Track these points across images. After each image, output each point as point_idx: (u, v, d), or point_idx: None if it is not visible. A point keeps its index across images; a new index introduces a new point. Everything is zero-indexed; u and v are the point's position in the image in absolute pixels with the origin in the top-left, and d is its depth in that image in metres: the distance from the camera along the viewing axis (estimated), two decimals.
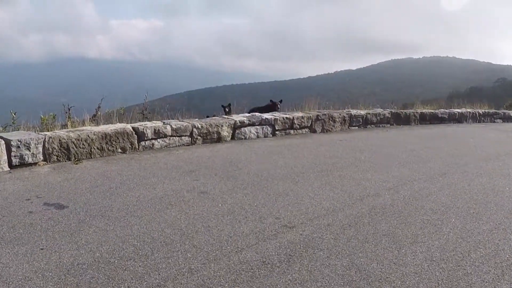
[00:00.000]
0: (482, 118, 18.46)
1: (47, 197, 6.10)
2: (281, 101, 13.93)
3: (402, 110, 16.04)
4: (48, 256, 4.25)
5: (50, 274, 3.88)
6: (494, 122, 18.78)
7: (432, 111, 17.08)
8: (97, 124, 10.04)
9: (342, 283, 3.80)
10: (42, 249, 4.42)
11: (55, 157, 8.21)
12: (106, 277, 3.83)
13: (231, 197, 6.19)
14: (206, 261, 4.16)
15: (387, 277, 3.93)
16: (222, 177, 7.31)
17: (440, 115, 16.98)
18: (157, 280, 3.78)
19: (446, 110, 17.55)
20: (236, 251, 4.39)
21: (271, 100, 13.97)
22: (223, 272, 3.95)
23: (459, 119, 17.57)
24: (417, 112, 16.24)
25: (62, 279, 3.79)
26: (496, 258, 4.40)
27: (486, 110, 19.08)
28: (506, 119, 19.23)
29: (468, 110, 18.41)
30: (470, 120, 17.98)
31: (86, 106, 10.96)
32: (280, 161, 8.68)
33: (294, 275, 3.93)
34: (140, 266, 4.03)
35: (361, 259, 4.30)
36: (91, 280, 3.77)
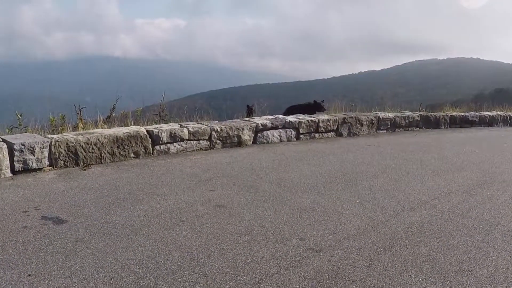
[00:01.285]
0: None
1: (46, 209, 5.53)
2: (323, 101, 13.26)
3: (431, 113, 15.32)
4: (35, 285, 3.64)
5: None
6: None
7: (462, 114, 16.33)
8: (111, 126, 9.51)
9: None
10: (30, 275, 3.84)
11: (62, 162, 7.67)
12: None
13: (250, 212, 5.56)
14: None
15: None
16: (241, 187, 6.68)
17: (470, 118, 16.22)
18: None
19: (476, 113, 16.77)
20: (253, 283, 3.73)
21: (314, 100, 13.30)
22: None
23: (489, 122, 16.79)
24: (447, 115, 15.51)
25: None
26: None
27: None
28: None
29: (499, 113, 17.61)
30: (501, 123, 17.20)
31: (109, 105, 10.69)
32: (304, 168, 8.04)
33: None
34: None
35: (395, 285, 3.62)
36: None
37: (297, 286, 3.72)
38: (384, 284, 3.80)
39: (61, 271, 3.89)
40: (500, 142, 12.49)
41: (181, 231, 4.89)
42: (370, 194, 6.47)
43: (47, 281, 3.72)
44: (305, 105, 13.46)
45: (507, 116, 17.70)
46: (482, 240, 4.87)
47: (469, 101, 24.83)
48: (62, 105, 10.12)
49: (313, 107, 13.15)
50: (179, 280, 3.78)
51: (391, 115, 13.86)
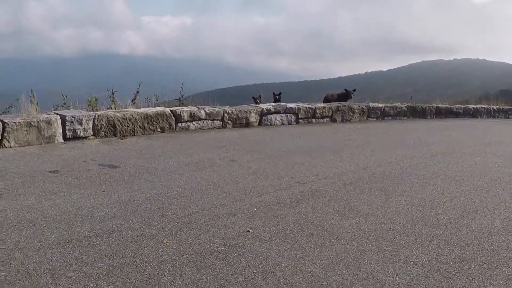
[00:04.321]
0: (497, 114, 19.35)
1: (100, 160, 7.41)
2: (354, 90, 15.74)
3: (418, 104, 17.07)
4: (109, 195, 5.54)
5: (113, 205, 5.15)
6: (509, 117, 19.65)
7: (447, 106, 18.08)
8: (137, 107, 11.36)
9: (337, 216, 4.99)
10: (103, 191, 5.71)
11: (103, 133, 9.53)
12: (156, 208, 5.08)
13: (255, 164, 7.43)
14: (233, 200, 5.41)
15: (373, 213, 5.12)
16: (249, 151, 8.56)
17: (455, 110, 17.96)
18: (196, 209, 5.03)
19: (461, 106, 18.53)
20: (257, 195, 5.64)
21: (345, 89, 15.80)
22: (247, 206, 5.19)
23: (474, 114, 18.49)
24: (432, 106, 17.26)
25: (122, 208, 5.04)
26: (466, 207, 5.52)
27: (501, 106, 19.96)
28: None
29: (484, 106, 19.33)
30: (484, 115, 18.88)
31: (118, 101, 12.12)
32: (300, 142, 9.91)
33: (300, 209, 5.15)
34: (182, 202, 5.29)
35: (355, 203, 5.50)
36: (145, 210, 5.02)
37: (286, 198, 5.58)
38: (345, 199, 5.66)
39: (125, 190, 5.77)
40: (474, 128, 14.38)
41: (205, 172, 6.78)
42: (349, 157, 8.32)
43: (117, 194, 5.58)
44: (339, 93, 15.99)
45: (490, 109, 19.44)
46: (426, 182, 6.69)
47: (473, 101, 26.45)
48: (71, 101, 11.46)
49: (345, 95, 15.66)
50: (207, 194, 5.65)
51: (380, 105, 15.68)
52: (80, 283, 3.31)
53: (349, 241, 4.25)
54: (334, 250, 4.04)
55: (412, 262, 3.85)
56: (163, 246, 3.98)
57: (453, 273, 3.69)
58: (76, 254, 3.79)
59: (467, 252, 4.11)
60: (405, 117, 16.22)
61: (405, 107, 16.21)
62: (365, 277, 3.56)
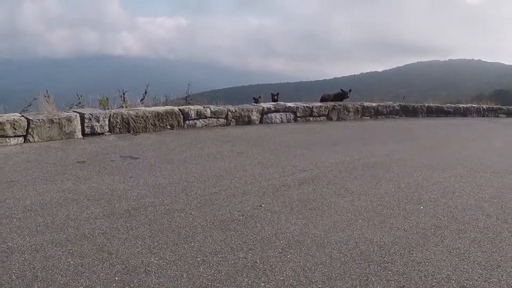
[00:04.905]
0: (486, 113, 20.16)
1: (121, 153, 8.26)
2: (350, 90, 16.44)
3: (410, 104, 17.94)
4: (137, 180, 6.39)
5: (142, 187, 6.00)
6: (498, 116, 20.45)
7: (438, 105, 18.94)
8: (147, 106, 12.21)
9: (334, 195, 5.87)
10: (131, 177, 6.57)
11: (118, 129, 10.37)
12: (180, 189, 5.94)
13: (260, 156, 8.30)
14: (244, 183, 6.29)
15: (364, 193, 6.00)
16: (253, 145, 9.42)
17: (446, 109, 18.80)
18: (214, 190, 5.90)
19: (452, 105, 19.35)
20: (265, 179, 6.52)
21: (341, 89, 16.54)
22: (256, 188, 6.06)
23: (464, 113, 19.31)
24: (424, 106, 18.13)
25: (151, 190, 5.90)
26: (445, 190, 6.40)
27: (490, 106, 20.81)
28: (509, 114, 20.87)
29: (474, 105, 20.16)
30: (474, 114, 19.69)
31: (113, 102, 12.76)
32: (298, 137, 10.78)
33: (303, 190, 6.03)
34: (201, 185, 6.16)
35: (349, 185, 6.39)
36: (170, 191, 5.88)
37: (290, 181, 6.46)
38: (341, 182, 6.53)
39: (149, 176, 6.63)
40: (463, 126, 15.28)
41: (217, 162, 7.65)
42: (344, 151, 9.19)
43: (143, 179, 6.44)
44: (335, 93, 16.66)
45: (480, 108, 20.28)
46: (413, 171, 7.56)
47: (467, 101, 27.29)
48: (68, 101, 12.05)
49: (341, 95, 16.35)
50: (221, 179, 6.52)
51: (374, 104, 16.56)
52: (130, 242, 4.17)
53: (344, 213, 5.14)
54: (332, 219, 4.92)
55: (395, 228, 4.73)
56: (192, 216, 4.86)
57: (429, 235, 4.57)
58: (121, 223, 4.65)
59: (442, 222, 4.99)
60: (398, 116, 17.06)
61: (398, 106, 17.07)
62: (357, 237, 4.44)
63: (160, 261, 3.77)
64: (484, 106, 20.44)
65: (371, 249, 4.15)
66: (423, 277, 3.63)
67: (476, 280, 3.61)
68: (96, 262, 3.71)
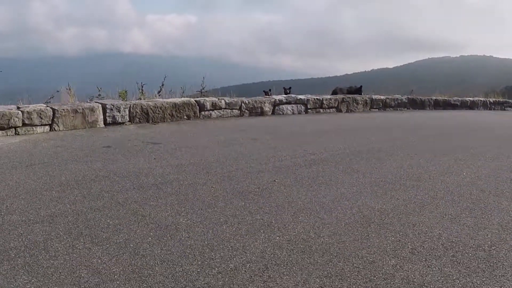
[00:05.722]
0: (493, 106, 20.63)
1: (142, 139, 8.86)
2: (361, 87, 17.36)
3: (417, 97, 18.44)
4: (160, 161, 6.98)
5: (165, 167, 6.58)
6: (505, 110, 20.91)
7: (446, 98, 19.41)
8: (163, 98, 12.80)
9: (341, 173, 6.43)
10: (154, 158, 7.15)
11: (137, 119, 10.99)
12: (200, 168, 6.51)
13: (273, 142, 8.88)
14: (259, 164, 6.86)
15: (369, 172, 6.55)
16: (265, 132, 10.00)
17: (453, 102, 19.28)
18: (231, 169, 6.48)
19: (459, 98, 19.82)
20: (278, 161, 7.10)
21: (355, 86, 17.48)
22: (270, 167, 6.63)
23: (470, 106, 19.79)
24: (431, 99, 18.63)
25: (174, 169, 6.47)
26: (444, 170, 6.92)
27: (497, 99, 21.25)
28: None
29: (480, 98, 20.62)
30: (481, 107, 20.16)
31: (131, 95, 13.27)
32: (309, 127, 11.34)
33: (312, 169, 6.60)
34: (220, 165, 6.74)
35: (355, 166, 6.94)
36: (192, 170, 6.44)
37: (301, 162, 7.03)
38: (347, 163, 7.08)
39: (171, 158, 7.21)
40: (468, 118, 15.79)
41: (233, 147, 8.22)
42: (351, 138, 9.74)
43: (166, 160, 7.02)
44: (348, 87, 17.56)
45: (487, 101, 20.75)
46: (415, 154, 8.05)
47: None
48: (81, 98, 12.55)
49: (356, 90, 17.21)
50: (237, 160, 7.09)
51: (382, 97, 17.10)
52: (160, 207, 4.75)
53: (350, 187, 5.70)
54: (339, 191, 5.49)
55: (395, 198, 5.28)
56: (214, 189, 5.44)
57: (425, 204, 5.12)
58: (150, 193, 5.23)
59: (438, 195, 5.53)
60: (406, 108, 17.60)
61: (405, 99, 17.59)
62: (360, 205, 4.99)
63: (188, 221, 4.34)
64: (491, 100, 20.87)
65: (372, 214, 4.70)
66: (417, 235, 4.17)
67: (464, 238, 4.14)
68: (131, 223, 4.29)
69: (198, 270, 3.35)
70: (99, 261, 3.48)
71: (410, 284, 3.24)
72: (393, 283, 3.24)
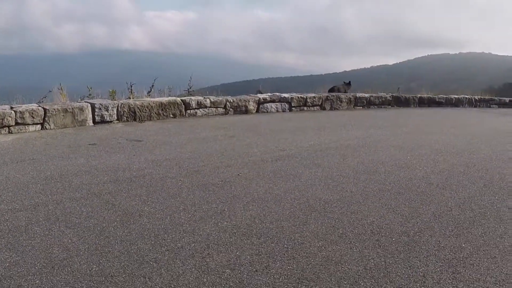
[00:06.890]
0: (478, 104, 21.05)
1: (127, 137, 9.44)
2: (349, 82, 18.18)
3: (402, 94, 18.93)
4: (139, 157, 7.56)
5: (143, 162, 7.16)
6: (490, 107, 21.34)
7: (430, 96, 19.89)
8: (152, 97, 13.38)
9: (302, 167, 7.01)
10: (134, 155, 7.73)
11: (125, 118, 11.56)
12: (174, 164, 7.09)
13: (249, 139, 9.45)
14: (230, 160, 7.45)
15: (329, 167, 7.12)
16: (245, 130, 10.57)
17: (437, 100, 19.74)
18: (202, 164, 7.06)
19: (444, 95, 20.26)
20: (247, 157, 7.68)
21: (344, 82, 18.21)
22: (239, 163, 7.22)
23: (455, 103, 20.21)
24: (416, 96, 19.12)
25: (150, 164, 7.05)
26: (402, 166, 7.48)
27: (482, 97, 21.70)
28: (501, 105, 21.74)
29: (466, 96, 21.04)
30: (466, 104, 20.58)
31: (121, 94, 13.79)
32: (289, 124, 11.91)
33: (277, 164, 7.18)
34: (192, 161, 7.32)
35: (318, 161, 7.52)
36: (166, 165, 7.02)
37: (269, 158, 7.60)
38: (313, 159, 7.64)
39: (149, 154, 7.80)
40: (449, 115, 16.32)
41: (210, 144, 8.80)
42: (326, 134, 10.31)
43: (144, 156, 7.59)
44: (342, 84, 18.17)
45: (472, 99, 21.19)
46: (380, 151, 8.62)
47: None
48: (78, 95, 13.08)
49: (348, 84, 18.03)
50: (210, 156, 7.68)
51: (366, 95, 17.63)
52: (130, 198, 5.35)
53: (306, 180, 6.28)
54: (294, 184, 6.08)
55: (345, 190, 5.86)
56: (181, 182, 6.04)
57: (370, 196, 5.70)
58: (124, 185, 5.84)
59: (386, 187, 6.11)
60: (390, 106, 18.09)
61: (390, 97, 18.10)
62: (309, 196, 5.58)
63: (151, 209, 4.95)
64: (476, 97, 21.34)
65: (318, 204, 5.29)
66: (351, 221, 4.76)
67: (394, 225, 4.72)
68: (102, 210, 4.90)
69: (150, 248, 3.96)
70: (69, 241, 4.09)
71: (328, 262, 3.82)
72: (314, 261, 3.83)
